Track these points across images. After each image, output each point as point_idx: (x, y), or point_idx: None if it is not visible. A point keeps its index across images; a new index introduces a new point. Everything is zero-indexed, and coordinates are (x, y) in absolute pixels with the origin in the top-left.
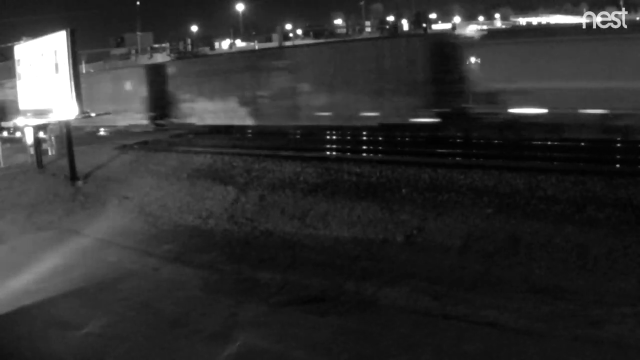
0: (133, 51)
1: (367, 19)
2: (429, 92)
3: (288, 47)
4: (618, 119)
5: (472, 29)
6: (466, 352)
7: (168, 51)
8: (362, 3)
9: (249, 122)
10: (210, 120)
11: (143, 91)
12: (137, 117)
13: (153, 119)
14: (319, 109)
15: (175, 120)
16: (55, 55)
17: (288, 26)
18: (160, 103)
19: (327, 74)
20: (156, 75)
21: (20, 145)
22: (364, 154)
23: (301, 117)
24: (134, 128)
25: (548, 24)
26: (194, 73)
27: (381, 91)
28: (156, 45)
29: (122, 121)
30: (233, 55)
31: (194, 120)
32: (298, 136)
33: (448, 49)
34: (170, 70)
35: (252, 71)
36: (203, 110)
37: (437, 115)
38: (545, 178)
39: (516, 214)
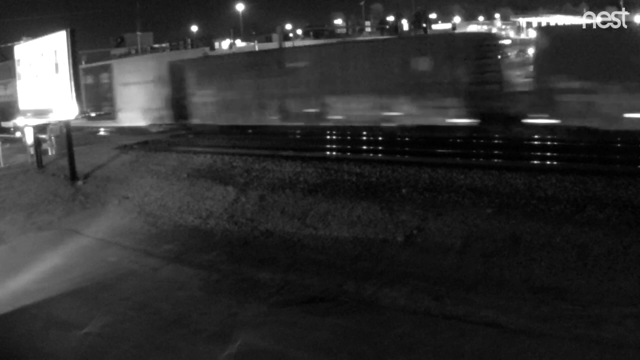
0: (133, 51)
1: (367, 19)
2: None
3: None
4: None
5: None
6: (466, 352)
7: (168, 51)
8: (362, 3)
9: None
10: None
11: (459, 73)
12: (448, 114)
13: (484, 118)
14: None
15: (553, 122)
16: (55, 55)
17: (288, 26)
18: (497, 92)
19: None
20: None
21: (20, 145)
22: None
23: None
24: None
25: None
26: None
27: None
28: (156, 45)
29: (413, 118)
30: None
31: (596, 124)
32: None
33: None
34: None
35: None
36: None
37: None
38: (545, 178)
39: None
